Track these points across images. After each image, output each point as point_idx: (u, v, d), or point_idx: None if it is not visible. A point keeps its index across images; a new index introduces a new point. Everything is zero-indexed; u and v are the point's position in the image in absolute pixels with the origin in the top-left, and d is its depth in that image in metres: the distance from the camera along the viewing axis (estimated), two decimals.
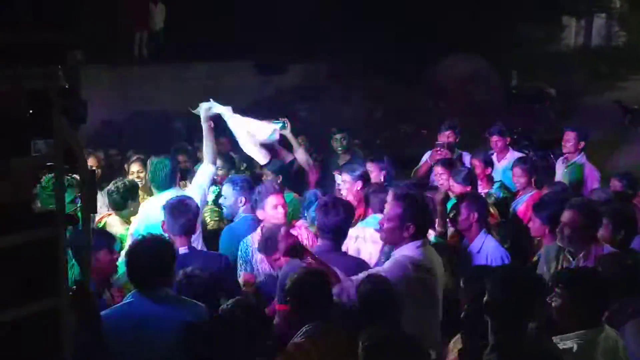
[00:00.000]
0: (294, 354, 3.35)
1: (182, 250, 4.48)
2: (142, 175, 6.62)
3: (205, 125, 5.57)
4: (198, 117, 5.60)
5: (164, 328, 3.33)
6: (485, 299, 3.08)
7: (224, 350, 3.25)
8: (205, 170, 5.55)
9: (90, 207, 2.76)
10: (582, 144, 7.07)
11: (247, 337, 3.32)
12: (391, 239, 4.07)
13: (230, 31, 15.87)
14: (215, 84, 15.63)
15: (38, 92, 2.44)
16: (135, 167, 6.88)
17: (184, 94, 14.81)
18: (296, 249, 3.89)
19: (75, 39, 2.67)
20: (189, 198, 4.84)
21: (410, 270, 3.83)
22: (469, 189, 6.00)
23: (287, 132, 6.59)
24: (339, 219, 4.27)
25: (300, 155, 6.78)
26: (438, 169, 6.46)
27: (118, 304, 3.64)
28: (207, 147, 5.58)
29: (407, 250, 3.94)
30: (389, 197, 4.23)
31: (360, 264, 4.30)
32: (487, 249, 4.98)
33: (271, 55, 16.60)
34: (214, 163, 5.65)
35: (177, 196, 4.90)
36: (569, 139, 7.10)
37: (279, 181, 6.15)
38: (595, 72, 24.76)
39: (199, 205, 5.04)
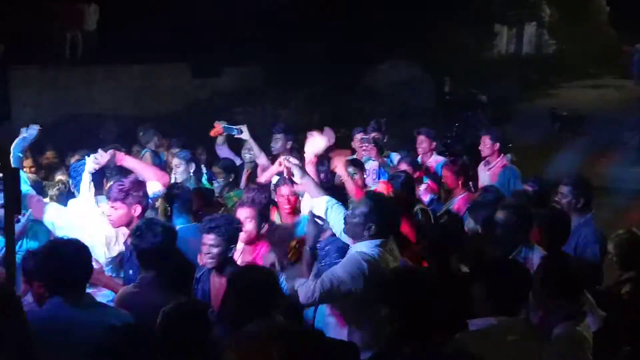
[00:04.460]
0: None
1: None
2: None
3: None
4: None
5: (90, 334, 3.18)
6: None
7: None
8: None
9: (13, 207, 2.68)
10: (497, 145, 7.25)
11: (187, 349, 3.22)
12: (352, 234, 4.13)
13: (165, 33, 15.67)
14: (150, 86, 15.42)
15: None
16: None
17: (118, 95, 14.58)
18: None
19: None
20: None
21: (364, 266, 3.89)
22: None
23: (248, 137, 6.69)
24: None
25: (263, 160, 6.74)
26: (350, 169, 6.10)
27: (38, 309, 3.52)
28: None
29: (364, 247, 4.02)
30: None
31: None
32: None
33: (207, 57, 16.46)
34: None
35: None
36: (484, 142, 7.30)
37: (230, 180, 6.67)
38: (526, 80, 25.35)
39: None
